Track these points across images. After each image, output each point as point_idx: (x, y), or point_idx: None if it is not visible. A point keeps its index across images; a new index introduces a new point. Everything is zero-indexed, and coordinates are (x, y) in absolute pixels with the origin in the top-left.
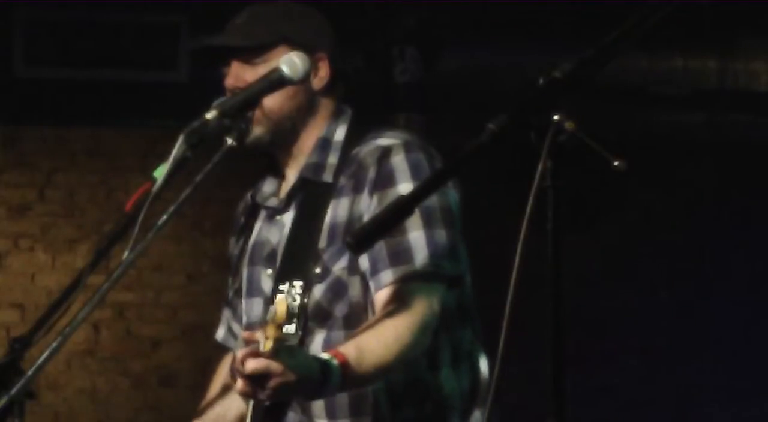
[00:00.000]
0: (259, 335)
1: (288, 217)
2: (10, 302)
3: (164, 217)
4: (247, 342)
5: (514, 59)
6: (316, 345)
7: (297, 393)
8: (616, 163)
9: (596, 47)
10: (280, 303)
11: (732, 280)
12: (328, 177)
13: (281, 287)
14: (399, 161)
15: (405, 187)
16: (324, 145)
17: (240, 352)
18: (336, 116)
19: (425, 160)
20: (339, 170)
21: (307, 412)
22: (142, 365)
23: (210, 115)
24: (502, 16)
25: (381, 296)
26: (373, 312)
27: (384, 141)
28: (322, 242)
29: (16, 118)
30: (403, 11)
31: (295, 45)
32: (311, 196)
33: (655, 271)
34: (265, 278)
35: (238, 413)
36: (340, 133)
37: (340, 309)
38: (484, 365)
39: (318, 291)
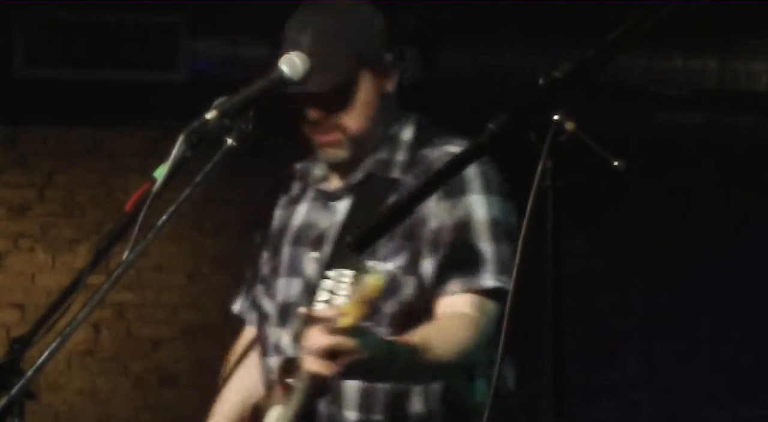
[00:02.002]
0: (330, 310)
1: (343, 205)
2: (10, 302)
3: (164, 217)
4: (309, 318)
5: (514, 59)
6: None
7: (363, 372)
8: (616, 163)
9: (596, 47)
10: (375, 280)
11: (732, 280)
12: (396, 173)
13: (329, 273)
14: (471, 171)
15: (477, 197)
16: (392, 142)
17: (313, 327)
18: (400, 114)
19: (493, 172)
20: (407, 168)
21: (337, 403)
22: (142, 365)
23: (210, 115)
24: (502, 16)
25: (444, 303)
26: (430, 316)
27: (455, 149)
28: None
29: (16, 118)
30: (403, 11)
31: (373, 67)
32: (374, 190)
33: (655, 271)
34: (309, 260)
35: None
36: (407, 132)
37: (389, 306)
38: (511, 376)
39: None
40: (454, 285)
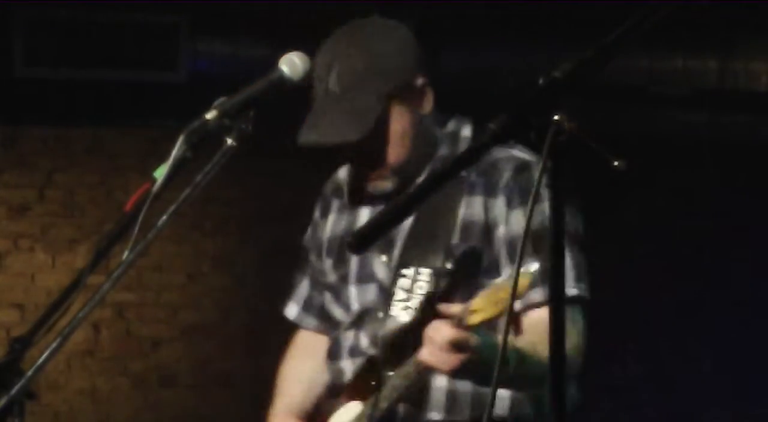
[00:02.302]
0: (459, 307)
1: None
2: (10, 302)
3: (164, 217)
4: (443, 315)
5: (515, 59)
6: None
7: (473, 373)
8: (616, 163)
9: (596, 47)
10: (526, 280)
11: (732, 280)
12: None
13: (404, 272)
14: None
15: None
16: (453, 138)
17: (438, 320)
18: (445, 117)
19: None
20: None
21: (421, 405)
22: (142, 365)
23: (210, 115)
24: (502, 16)
25: (533, 315)
26: (517, 326)
27: (520, 153)
28: (455, 238)
29: (16, 118)
30: (403, 11)
31: (404, 97)
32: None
33: (655, 271)
34: (379, 264)
35: (322, 390)
36: (466, 130)
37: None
38: (578, 390)
39: (454, 295)
40: (536, 294)
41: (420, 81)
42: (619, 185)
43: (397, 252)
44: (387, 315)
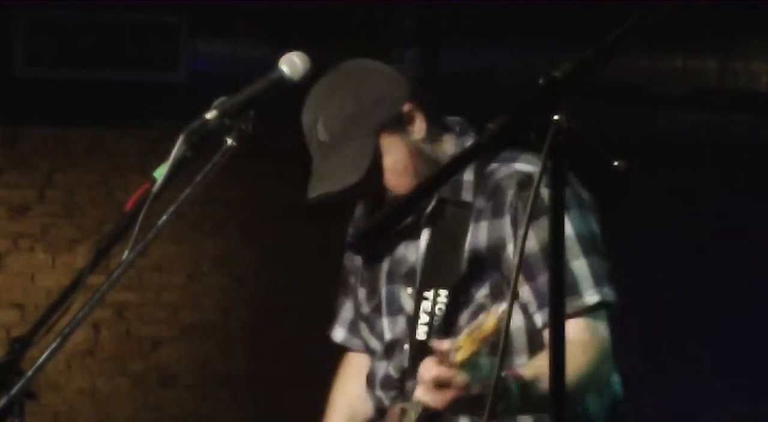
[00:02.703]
0: (448, 344)
1: (424, 235)
2: (10, 302)
3: (164, 217)
4: (434, 351)
5: (514, 59)
6: None
7: (474, 408)
8: (616, 163)
9: (596, 47)
10: (490, 318)
11: (732, 280)
12: (467, 195)
13: (425, 295)
14: (546, 190)
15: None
16: None
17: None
18: (451, 133)
19: (571, 185)
20: (475, 188)
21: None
22: (142, 365)
23: (210, 115)
24: (502, 16)
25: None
26: (536, 343)
27: (523, 166)
28: (463, 267)
29: (16, 118)
30: (403, 11)
31: (394, 128)
32: (449, 215)
33: (656, 271)
34: (405, 296)
35: (371, 412)
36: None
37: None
38: (619, 384)
39: (463, 319)
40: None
41: (407, 107)
42: (619, 185)
43: (419, 281)
44: (411, 344)
